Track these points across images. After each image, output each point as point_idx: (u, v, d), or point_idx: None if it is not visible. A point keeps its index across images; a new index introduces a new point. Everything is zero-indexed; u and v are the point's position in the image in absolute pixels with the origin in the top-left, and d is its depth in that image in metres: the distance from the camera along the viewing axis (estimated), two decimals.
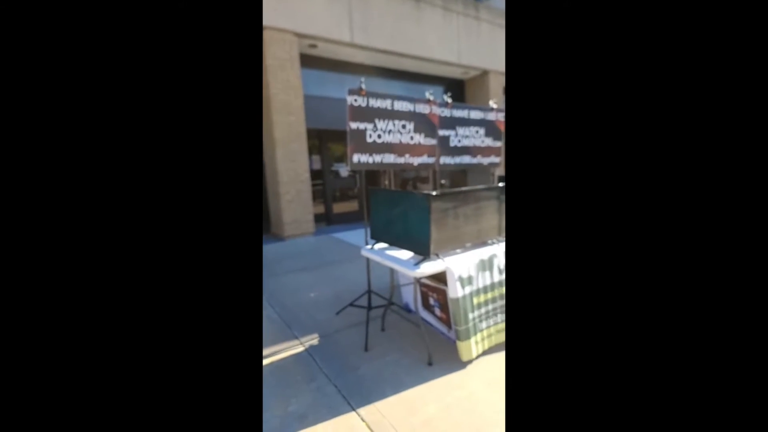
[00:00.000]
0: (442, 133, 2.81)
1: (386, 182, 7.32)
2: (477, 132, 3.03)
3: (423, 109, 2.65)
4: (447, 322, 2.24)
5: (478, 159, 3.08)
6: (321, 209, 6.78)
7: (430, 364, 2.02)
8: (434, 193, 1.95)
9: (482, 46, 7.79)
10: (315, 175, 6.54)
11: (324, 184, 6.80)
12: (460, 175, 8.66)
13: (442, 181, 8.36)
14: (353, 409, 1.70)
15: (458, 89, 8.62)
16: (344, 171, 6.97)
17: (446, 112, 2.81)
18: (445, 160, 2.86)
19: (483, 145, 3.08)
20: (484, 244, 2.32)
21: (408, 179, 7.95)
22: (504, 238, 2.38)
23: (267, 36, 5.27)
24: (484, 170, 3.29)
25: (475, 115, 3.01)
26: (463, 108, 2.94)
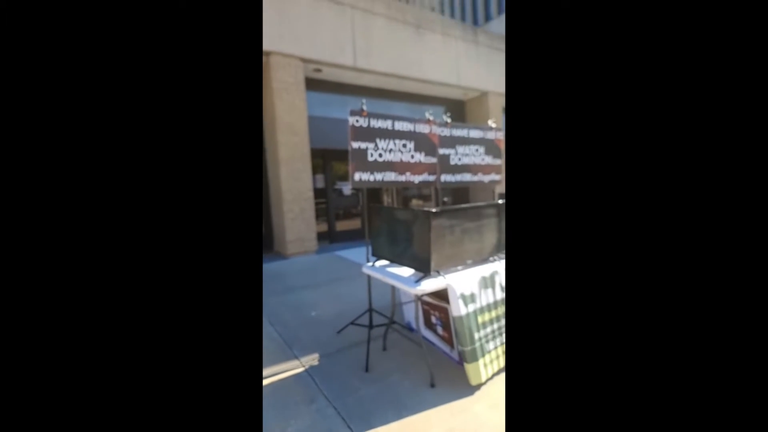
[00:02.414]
0: (442, 151, 2.85)
1: (388, 200, 7.38)
2: (477, 150, 3.07)
3: (423, 128, 2.70)
4: (449, 341, 2.20)
5: (479, 176, 3.11)
6: (324, 227, 6.80)
7: (432, 385, 1.97)
8: (434, 210, 1.96)
9: (481, 68, 8.01)
10: (318, 193, 6.60)
11: (327, 203, 6.85)
12: (462, 192, 8.70)
13: (445, 199, 8.40)
14: None
15: (459, 109, 8.79)
16: (347, 189, 7.04)
17: (446, 132, 2.86)
18: (445, 177, 2.89)
19: (483, 162, 3.12)
20: (485, 261, 2.31)
21: (410, 197, 7.99)
22: (505, 255, 2.37)
23: (273, 61, 5.46)
24: (486, 187, 3.31)
25: (475, 134, 3.06)
26: (463, 127, 3.00)
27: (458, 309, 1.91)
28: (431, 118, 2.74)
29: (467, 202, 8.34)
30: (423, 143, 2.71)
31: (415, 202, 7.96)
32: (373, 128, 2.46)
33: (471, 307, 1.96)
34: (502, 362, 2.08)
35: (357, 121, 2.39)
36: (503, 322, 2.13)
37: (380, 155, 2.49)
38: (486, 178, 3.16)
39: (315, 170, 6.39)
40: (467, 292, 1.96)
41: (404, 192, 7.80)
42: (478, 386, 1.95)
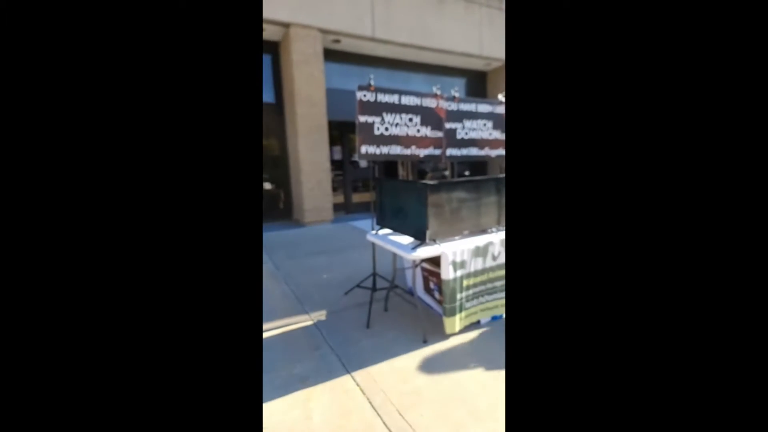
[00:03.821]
0: (449, 126, 2.91)
1: (403, 173, 7.46)
2: (485, 125, 3.10)
3: (430, 103, 2.76)
4: None
5: (486, 151, 3.16)
6: (340, 198, 7.03)
7: (425, 341, 2.19)
8: (432, 182, 2.09)
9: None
10: (336, 165, 6.77)
11: (344, 174, 7.03)
12: (480, 166, 8.63)
13: (466, 173, 8.39)
14: (349, 374, 1.91)
15: (480, 81, 8.52)
16: (363, 162, 7.16)
17: (453, 106, 2.91)
18: (451, 152, 2.97)
19: (491, 137, 3.15)
20: (483, 232, 2.43)
21: (426, 170, 8.02)
22: (503, 228, 2.48)
23: (292, 32, 5.49)
24: (495, 162, 3.36)
25: (483, 108, 3.08)
26: (471, 102, 3.02)
27: (447, 273, 2.08)
28: (438, 92, 2.79)
29: (485, 175, 8.28)
30: (429, 117, 2.78)
31: (431, 176, 8.00)
32: (380, 102, 2.55)
33: (459, 273, 2.12)
34: (473, 318, 2.37)
35: (365, 95, 2.49)
36: (486, 285, 2.36)
37: (386, 129, 2.60)
38: (493, 153, 3.21)
39: (332, 142, 6.53)
40: (458, 260, 2.11)
41: (420, 165, 7.84)
42: (468, 342, 2.16)
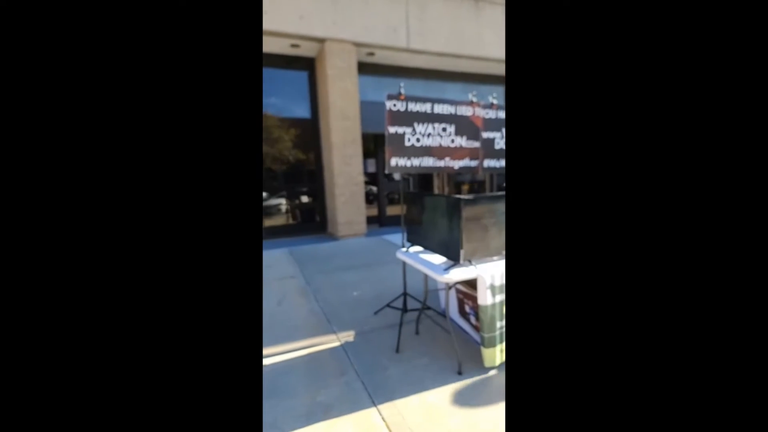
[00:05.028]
0: (486, 135, 2.71)
1: (439, 184, 7.24)
2: None
3: (465, 111, 2.59)
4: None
5: None
6: (374, 211, 6.96)
7: (459, 373, 1.97)
8: (467, 197, 1.91)
9: None
10: (370, 178, 6.73)
11: (378, 187, 6.97)
12: None
13: (504, 184, 7.99)
14: (375, 407, 1.75)
15: None
16: (398, 174, 7.07)
17: (491, 114, 2.71)
18: (489, 163, 2.75)
19: None
20: None
21: (462, 182, 7.73)
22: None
23: (327, 47, 5.60)
24: None
25: None
26: None
27: (485, 299, 1.86)
28: (474, 99, 2.61)
29: None
30: (465, 127, 2.60)
31: (466, 188, 7.70)
32: (411, 112, 2.43)
33: (498, 298, 1.89)
34: None
35: (394, 105, 2.38)
36: None
37: (417, 140, 2.46)
38: None
39: (367, 155, 6.51)
40: (497, 283, 1.89)
41: (456, 177, 7.57)
42: (504, 374, 1.91)
